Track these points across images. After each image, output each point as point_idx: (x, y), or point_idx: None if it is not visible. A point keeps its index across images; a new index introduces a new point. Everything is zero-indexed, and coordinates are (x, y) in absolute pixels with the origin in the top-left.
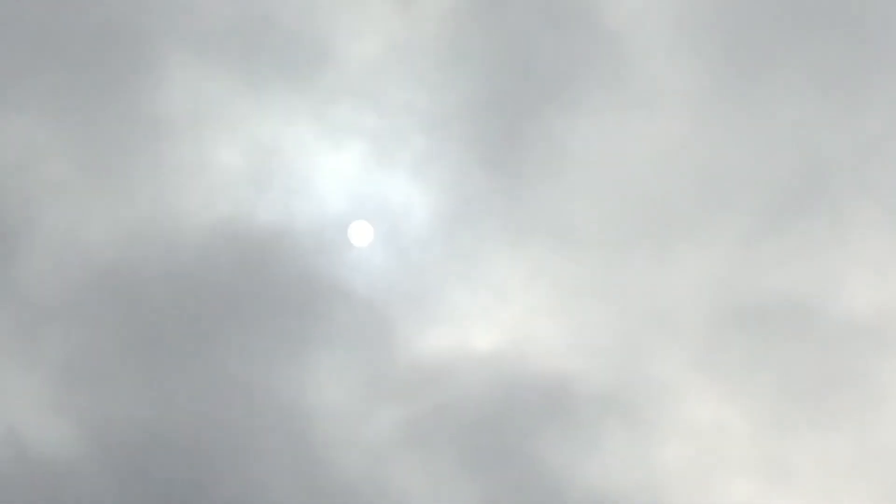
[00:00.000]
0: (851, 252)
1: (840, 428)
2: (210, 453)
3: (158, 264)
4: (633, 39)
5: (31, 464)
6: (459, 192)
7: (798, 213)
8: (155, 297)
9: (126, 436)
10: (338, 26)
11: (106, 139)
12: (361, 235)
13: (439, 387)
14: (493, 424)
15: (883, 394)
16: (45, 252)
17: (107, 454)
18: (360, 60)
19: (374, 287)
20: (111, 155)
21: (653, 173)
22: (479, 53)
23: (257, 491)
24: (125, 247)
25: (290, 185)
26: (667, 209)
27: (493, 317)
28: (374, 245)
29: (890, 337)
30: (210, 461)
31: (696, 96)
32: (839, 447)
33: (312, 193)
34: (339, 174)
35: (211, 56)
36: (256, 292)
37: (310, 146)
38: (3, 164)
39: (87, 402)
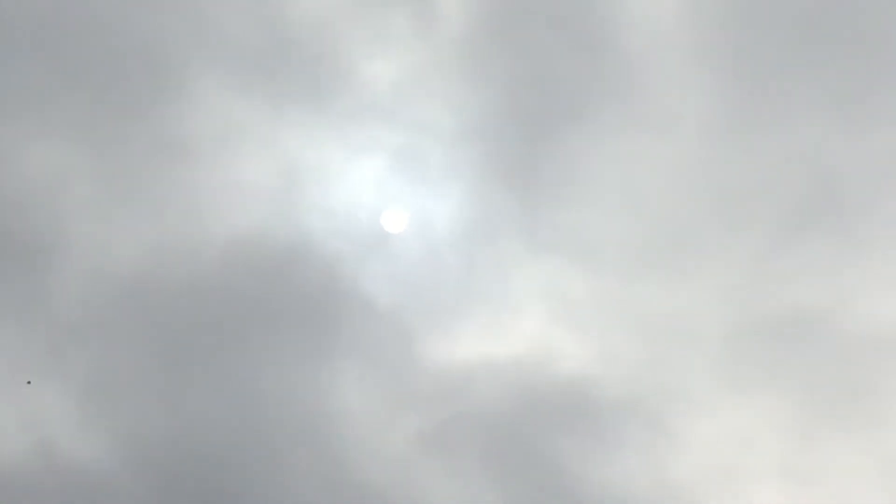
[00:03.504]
0: (865, 265)
1: (857, 436)
2: (235, 462)
3: (185, 279)
4: (648, 62)
5: (62, 473)
6: (479, 208)
7: (812, 228)
8: (181, 311)
9: (153, 445)
10: (360, 48)
11: (133, 159)
12: (395, 222)
13: (461, 394)
14: (513, 430)
15: None
16: (74, 269)
17: (135, 463)
18: (382, 80)
19: (396, 298)
20: (139, 174)
21: (668, 190)
22: (497, 74)
23: (283, 497)
24: (153, 263)
25: (312, 201)
26: (683, 225)
27: (514, 327)
28: (403, 241)
29: None
30: (235, 469)
31: (710, 117)
32: (856, 455)
33: (334, 208)
34: (361, 190)
35: (236, 78)
36: (281, 305)
37: (332, 164)
38: (33, 185)
39: (116, 413)
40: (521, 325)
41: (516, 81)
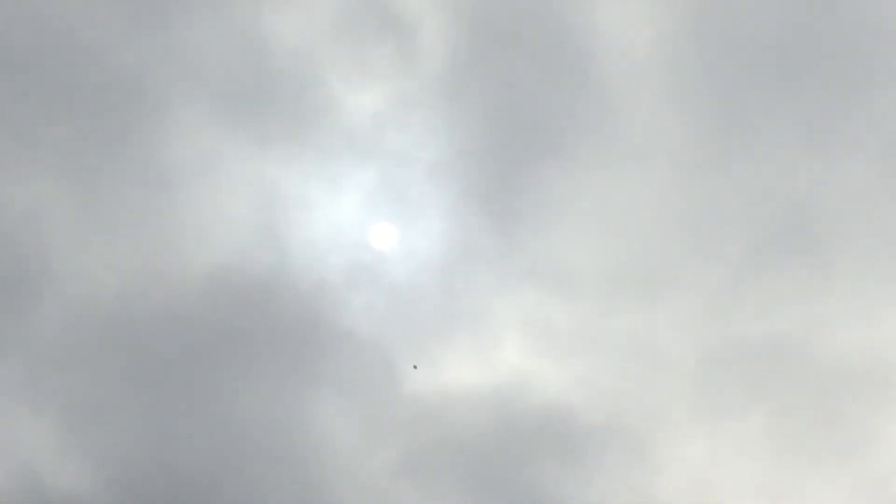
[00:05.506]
0: (835, 296)
1: (827, 460)
2: (216, 489)
3: (167, 308)
4: (623, 96)
5: (42, 498)
6: (458, 238)
7: (785, 258)
8: (163, 340)
9: (134, 471)
10: (342, 80)
11: (116, 190)
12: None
13: (441, 421)
14: (493, 457)
15: (866, 429)
16: (57, 298)
17: (116, 489)
18: (364, 112)
19: (376, 327)
20: (121, 205)
21: (644, 220)
22: (477, 107)
23: None
24: (134, 292)
25: (293, 231)
26: (658, 254)
27: (493, 355)
28: (384, 271)
29: (871, 376)
30: (217, 496)
31: (684, 149)
32: (827, 479)
33: (315, 239)
34: (340, 221)
35: (218, 109)
36: (263, 333)
37: (313, 194)
38: (15, 214)
39: (97, 440)
40: (500, 352)
41: (495, 114)
